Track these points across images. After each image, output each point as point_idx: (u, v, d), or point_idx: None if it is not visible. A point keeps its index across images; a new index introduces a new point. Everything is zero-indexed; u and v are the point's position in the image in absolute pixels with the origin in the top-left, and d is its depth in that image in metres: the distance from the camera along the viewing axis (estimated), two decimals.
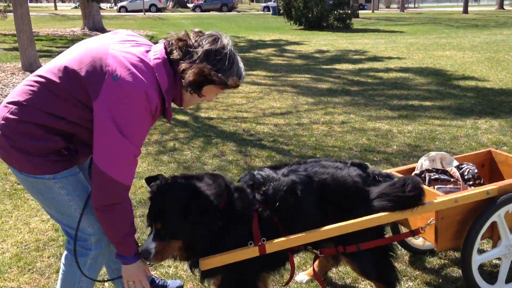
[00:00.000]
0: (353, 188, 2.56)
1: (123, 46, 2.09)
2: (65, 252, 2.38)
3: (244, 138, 6.08)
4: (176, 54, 2.09)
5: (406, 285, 3.01)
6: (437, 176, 3.02)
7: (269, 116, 7.21)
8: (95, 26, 21.15)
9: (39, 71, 2.12)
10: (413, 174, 3.09)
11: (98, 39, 2.19)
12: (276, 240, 2.35)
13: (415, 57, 13.08)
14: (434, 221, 2.69)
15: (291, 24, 24.68)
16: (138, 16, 36.97)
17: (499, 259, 2.94)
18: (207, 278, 2.43)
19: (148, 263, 2.28)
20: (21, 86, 2.12)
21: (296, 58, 13.64)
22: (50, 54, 13.51)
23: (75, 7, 51.72)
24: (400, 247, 3.35)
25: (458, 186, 2.93)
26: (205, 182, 2.32)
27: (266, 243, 2.31)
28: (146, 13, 39.63)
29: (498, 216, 2.73)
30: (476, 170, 3.09)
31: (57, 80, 2.03)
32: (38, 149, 2.05)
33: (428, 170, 3.07)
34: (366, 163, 2.77)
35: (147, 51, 2.12)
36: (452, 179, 2.99)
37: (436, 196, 2.70)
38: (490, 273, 3.09)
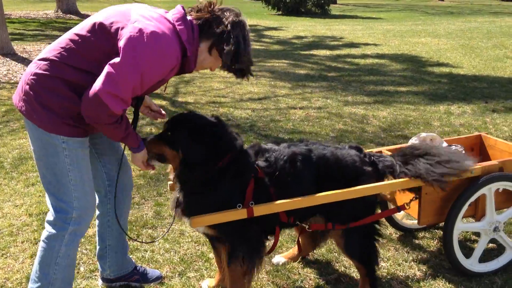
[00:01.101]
0: (350, 167, 2.67)
1: (145, 6, 2.31)
2: (45, 228, 2.42)
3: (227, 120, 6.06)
4: (196, 14, 2.27)
5: (379, 266, 3.09)
6: None
7: (246, 101, 7.21)
8: (69, 9, 20.64)
9: (70, 31, 2.26)
10: None
11: (125, 4, 2.37)
12: (263, 204, 2.45)
13: (391, 44, 13.20)
14: (418, 197, 2.80)
15: (269, 9, 24.52)
16: None
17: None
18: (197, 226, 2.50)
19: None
20: (51, 45, 2.26)
21: (274, 43, 13.61)
22: (22, 37, 13.15)
23: None
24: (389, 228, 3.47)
25: None
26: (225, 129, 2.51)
27: (254, 207, 2.42)
28: None
29: (489, 190, 2.85)
30: (464, 152, 3.20)
31: (86, 34, 2.18)
32: (62, 108, 2.19)
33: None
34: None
35: (166, 12, 2.31)
36: None
37: None
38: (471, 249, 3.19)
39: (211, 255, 3.17)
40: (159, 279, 2.93)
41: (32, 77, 2.21)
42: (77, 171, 2.30)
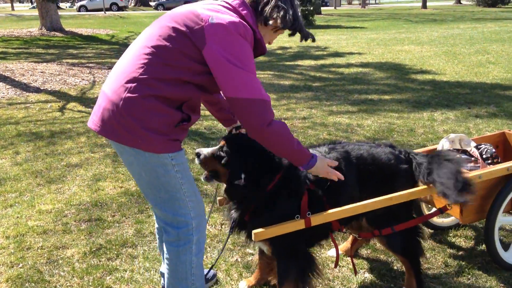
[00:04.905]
0: (386, 165, 2.73)
1: (203, 3, 2.28)
2: (165, 248, 2.42)
3: (206, 136, 6.02)
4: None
5: (363, 277, 3.04)
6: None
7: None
8: (53, 26, 20.59)
9: (141, 45, 2.20)
10: None
11: (182, 6, 2.33)
12: (320, 214, 2.52)
13: (375, 52, 13.29)
14: None
15: None
16: (99, 15, 36.20)
17: None
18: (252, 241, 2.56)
19: (196, 161, 2.52)
20: (130, 64, 2.17)
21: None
22: (5, 56, 13.06)
23: (33, 7, 50.28)
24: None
25: (478, 165, 3.10)
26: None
27: (311, 217, 2.49)
28: (107, 12, 38.87)
29: None
30: (493, 150, 3.27)
31: (165, 44, 2.13)
32: (163, 125, 2.15)
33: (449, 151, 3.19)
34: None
35: (222, 1, 2.31)
36: (472, 158, 3.15)
37: None
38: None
39: None
40: (215, 277, 3.01)
41: (125, 103, 2.12)
42: (188, 183, 2.32)
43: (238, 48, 2.11)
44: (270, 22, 2.29)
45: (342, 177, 2.48)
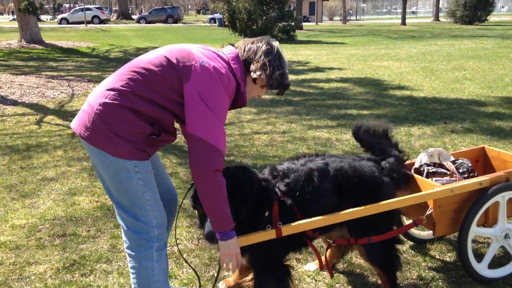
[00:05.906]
0: (369, 177, 2.78)
1: (201, 47, 2.48)
2: (128, 256, 2.48)
3: (184, 150, 6.00)
4: (243, 55, 2.49)
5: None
6: (434, 169, 3.25)
7: None
8: (33, 39, 20.41)
9: (135, 64, 2.37)
10: (413, 168, 3.33)
11: (183, 44, 2.54)
12: (290, 224, 2.58)
13: (355, 68, 13.47)
14: (432, 210, 2.91)
15: (236, 36, 24.82)
16: (80, 28, 36.03)
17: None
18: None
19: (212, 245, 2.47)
20: (116, 77, 2.35)
21: None
22: None
23: (13, 20, 49.77)
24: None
25: (454, 178, 3.15)
26: (240, 173, 2.59)
27: (282, 227, 2.55)
28: (88, 25, 38.70)
29: (502, 198, 3.02)
30: (470, 164, 3.33)
31: (153, 68, 2.31)
32: (131, 134, 2.28)
33: (426, 164, 3.29)
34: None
35: (218, 51, 2.50)
36: (448, 172, 3.21)
37: (433, 186, 2.93)
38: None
39: None
40: None
41: (101, 107, 2.28)
42: (151, 192, 2.40)
43: (216, 94, 2.27)
44: (256, 80, 2.46)
45: (234, 269, 2.51)
